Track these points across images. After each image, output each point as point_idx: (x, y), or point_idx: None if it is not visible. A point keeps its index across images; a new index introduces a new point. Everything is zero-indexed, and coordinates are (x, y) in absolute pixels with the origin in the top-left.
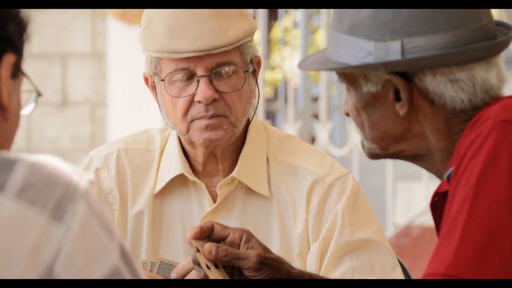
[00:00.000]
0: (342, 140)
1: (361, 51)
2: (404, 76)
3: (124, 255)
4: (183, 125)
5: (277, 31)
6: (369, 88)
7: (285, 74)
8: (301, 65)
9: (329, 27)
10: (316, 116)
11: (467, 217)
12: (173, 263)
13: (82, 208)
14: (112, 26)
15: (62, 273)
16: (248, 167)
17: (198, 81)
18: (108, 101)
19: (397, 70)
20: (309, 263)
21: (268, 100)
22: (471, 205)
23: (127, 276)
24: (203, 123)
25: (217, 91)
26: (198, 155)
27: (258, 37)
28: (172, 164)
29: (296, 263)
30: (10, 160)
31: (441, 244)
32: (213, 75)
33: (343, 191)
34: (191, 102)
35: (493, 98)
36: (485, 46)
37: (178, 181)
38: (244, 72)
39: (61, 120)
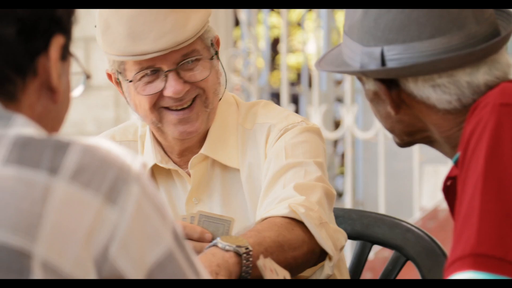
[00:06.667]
0: (367, 124)
1: (354, 53)
2: (389, 81)
3: (177, 238)
4: (153, 116)
5: (298, 12)
6: (369, 86)
7: (307, 57)
8: (319, 62)
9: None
10: (339, 100)
11: (481, 199)
12: (213, 215)
13: (136, 191)
14: None
15: (117, 257)
16: (217, 143)
17: (166, 76)
18: None
19: (376, 77)
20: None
21: (292, 84)
22: (483, 188)
23: (180, 259)
24: (174, 116)
25: (186, 82)
26: (173, 147)
27: (277, 20)
28: (150, 154)
29: None
30: (64, 143)
31: (461, 229)
32: (179, 68)
33: (291, 131)
34: (159, 95)
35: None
36: (458, 56)
37: (160, 169)
38: (210, 58)
39: (85, 104)
